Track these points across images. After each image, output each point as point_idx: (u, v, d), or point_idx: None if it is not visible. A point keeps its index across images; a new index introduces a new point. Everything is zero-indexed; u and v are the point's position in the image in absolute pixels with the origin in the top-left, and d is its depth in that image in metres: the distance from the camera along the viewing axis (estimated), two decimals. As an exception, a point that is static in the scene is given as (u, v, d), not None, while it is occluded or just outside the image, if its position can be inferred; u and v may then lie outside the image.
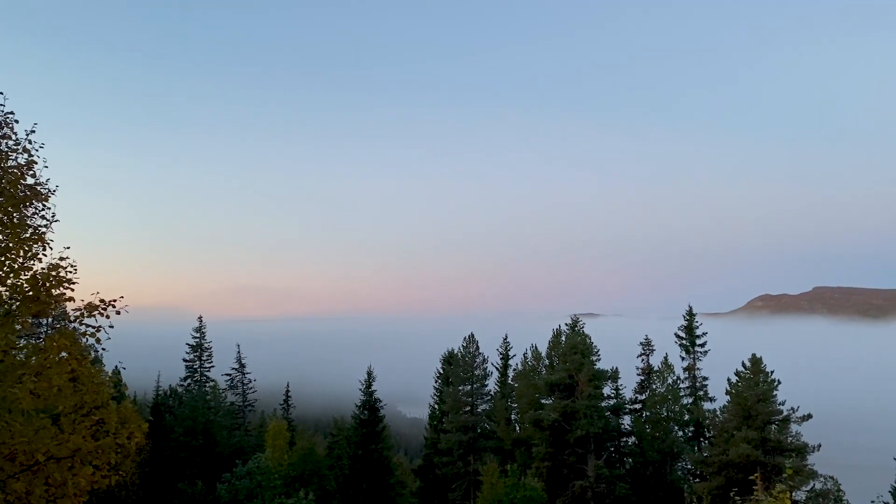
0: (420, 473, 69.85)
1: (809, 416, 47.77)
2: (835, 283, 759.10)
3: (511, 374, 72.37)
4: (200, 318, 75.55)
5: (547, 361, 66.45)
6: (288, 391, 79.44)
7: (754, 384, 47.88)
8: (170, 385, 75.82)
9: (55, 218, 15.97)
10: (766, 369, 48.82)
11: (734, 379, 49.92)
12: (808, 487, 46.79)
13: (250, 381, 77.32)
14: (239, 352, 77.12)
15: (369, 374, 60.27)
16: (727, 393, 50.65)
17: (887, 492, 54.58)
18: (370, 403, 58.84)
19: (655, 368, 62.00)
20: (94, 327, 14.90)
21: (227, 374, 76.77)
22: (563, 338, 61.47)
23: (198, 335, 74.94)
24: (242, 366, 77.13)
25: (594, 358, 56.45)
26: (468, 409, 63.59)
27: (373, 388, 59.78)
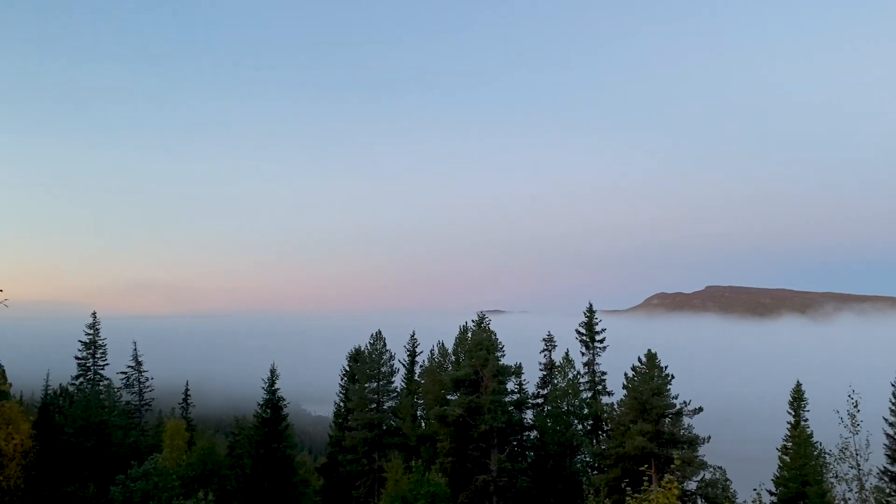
0: (324, 471, 69.22)
1: (700, 410, 50.05)
2: (726, 282, 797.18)
3: (418, 370, 72.71)
4: (94, 314, 72.73)
5: (453, 358, 67.09)
6: (187, 390, 77.05)
7: (649, 379, 49.77)
8: (60, 384, 72.50)
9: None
10: (661, 364, 50.82)
11: (631, 374, 51.73)
12: (699, 477, 49.09)
13: (147, 380, 74.86)
14: (135, 349, 74.52)
15: (272, 372, 59.20)
16: (624, 387, 52.42)
17: (770, 480, 57.96)
18: (273, 402, 57.78)
19: (557, 364, 63.51)
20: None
21: (122, 373, 74.05)
22: (470, 334, 62.21)
23: (91, 332, 72.06)
24: (139, 364, 74.53)
25: (499, 354, 57.33)
26: (374, 406, 63.43)
27: (276, 386, 58.75)
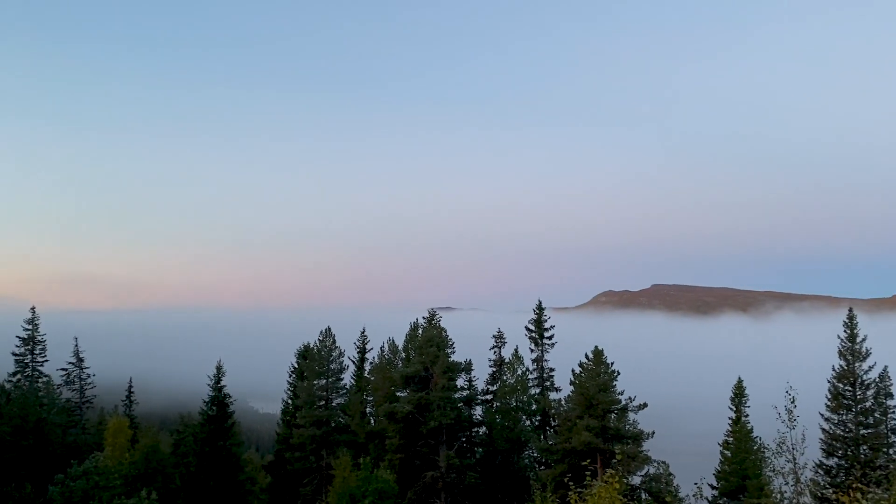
0: (271, 469, 68.54)
1: (645, 405, 50.98)
2: (671, 280, 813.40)
3: (368, 367, 72.42)
4: (33, 308, 70.74)
5: (404, 355, 67.06)
6: (131, 386, 75.43)
7: (596, 375, 50.48)
8: (-4, 381, 70.26)
9: None
10: (608, 361, 51.59)
11: (578, 370, 52.40)
12: (643, 472, 50.03)
13: (89, 377, 73.13)
14: (77, 345, 72.71)
15: (218, 368, 58.52)
16: (571, 383, 53.04)
17: (712, 475, 59.39)
18: (219, 399, 57.10)
19: (506, 360, 64.00)
20: None
21: (62, 369, 72.20)
22: (420, 331, 62.24)
23: (30, 327, 70.08)
24: (80, 360, 72.75)
25: (449, 351, 57.48)
26: (322, 403, 63.02)
27: (222, 383, 58.12)
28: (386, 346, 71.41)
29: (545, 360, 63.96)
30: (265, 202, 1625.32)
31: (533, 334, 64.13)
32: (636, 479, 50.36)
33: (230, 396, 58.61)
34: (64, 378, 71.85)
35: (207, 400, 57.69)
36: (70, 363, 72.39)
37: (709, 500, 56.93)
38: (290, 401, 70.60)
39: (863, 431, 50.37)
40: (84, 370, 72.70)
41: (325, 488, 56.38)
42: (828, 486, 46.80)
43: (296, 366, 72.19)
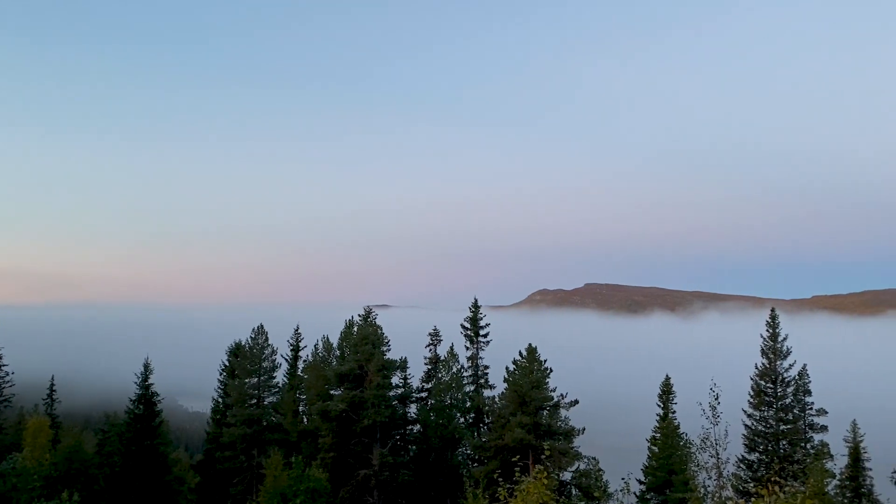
0: (200, 469, 67.17)
1: (576, 402, 51.90)
2: (604, 280, 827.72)
3: (301, 365, 71.66)
4: (-54, 304, 67.34)
5: (338, 353, 66.52)
6: (52, 385, 72.85)
7: (529, 372, 51.12)
8: None
9: None
10: (541, 358, 52.30)
11: (512, 367, 52.95)
12: (574, 468, 50.91)
13: (7, 374, 70.16)
14: (-7, 341, 69.56)
15: (146, 366, 57.02)
16: (505, 381, 53.59)
17: (640, 470, 60.90)
18: (146, 397, 55.65)
19: (442, 358, 64.20)
20: None
21: (-23, 367, 68.96)
22: (355, 329, 61.83)
23: (-57, 323, 66.80)
24: (-3, 357, 69.62)
25: (385, 349, 57.31)
26: (254, 401, 62.10)
27: (150, 381, 56.63)
28: (320, 344, 70.81)
29: (480, 358, 64.39)
30: (198, 198, 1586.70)
31: (468, 332, 64.48)
32: (567, 475, 51.21)
33: (158, 395, 57.25)
34: (-21, 375, 68.83)
35: (134, 398, 56.18)
36: (-14, 360, 69.34)
37: (637, 496, 58.30)
38: (220, 399, 69.42)
39: (783, 427, 52.30)
40: (2, 367, 69.77)
41: (256, 488, 55.55)
42: (749, 479, 48.42)
43: (227, 363, 70.93)
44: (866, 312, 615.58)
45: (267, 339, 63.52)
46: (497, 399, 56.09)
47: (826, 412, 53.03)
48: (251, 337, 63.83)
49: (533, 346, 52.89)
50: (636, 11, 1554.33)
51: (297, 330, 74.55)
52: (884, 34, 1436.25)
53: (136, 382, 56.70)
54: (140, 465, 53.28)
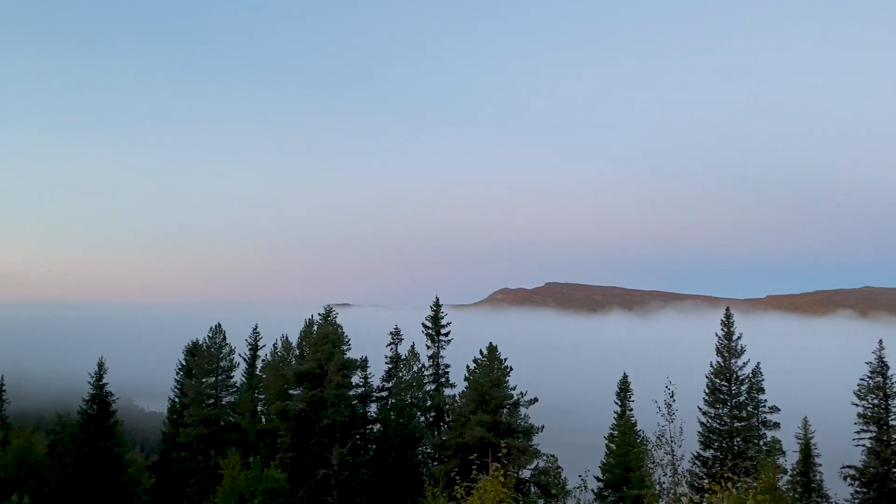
0: (156, 469, 66.02)
1: (536, 400, 52.32)
2: (564, 279, 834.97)
3: (260, 364, 70.99)
4: None
5: (297, 352, 66.03)
6: (2, 385, 70.88)
7: (489, 371, 51.39)
8: None
9: None
10: (501, 357, 52.60)
11: (472, 366, 53.16)
12: (533, 466, 51.30)
13: (-47, 375, 68.16)
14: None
15: (100, 365, 55.99)
16: (466, 379, 53.80)
17: (597, 467, 61.52)
18: (100, 397, 54.64)
19: (403, 357, 64.16)
20: None
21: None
22: (315, 328, 61.46)
23: None
24: (-56, 357, 67.72)
25: (345, 347, 57.08)
26: (212, 401, 61.34)
27: (104, 380, 55.61)
28: (279, 343, 70.18)
29: (441, 357, 64.49)
30: (155, 196, 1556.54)
31: (430, 331, 64.52)
32: (526, 473, 51.60)
33: (113, 394, 56.32)
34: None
35: (88, 398, 55.10)
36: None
37: (594, 492, 58.92)
38: (177, 399, 68.41)
39: (737, 424, 53.30)
40: (-52, 367, 67.82)
41: (213, 488, 54.86)
42: (704, 476, 49.32)
43: (184, 363, 69.93)
44: (818, 312, 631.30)
45: (225, 337, 62.78)
46: (458, 398, 56.25)
47: (779, 409, 54.24)
48: (209, 336, 63.02)
49: (493, 344, 53.17)
50: (599, 16, 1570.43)
51: (255, 329, 73.87)
52: (825, 32, 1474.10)
53: (89, 382, 55.70)
54: (93, 466, 52.31)
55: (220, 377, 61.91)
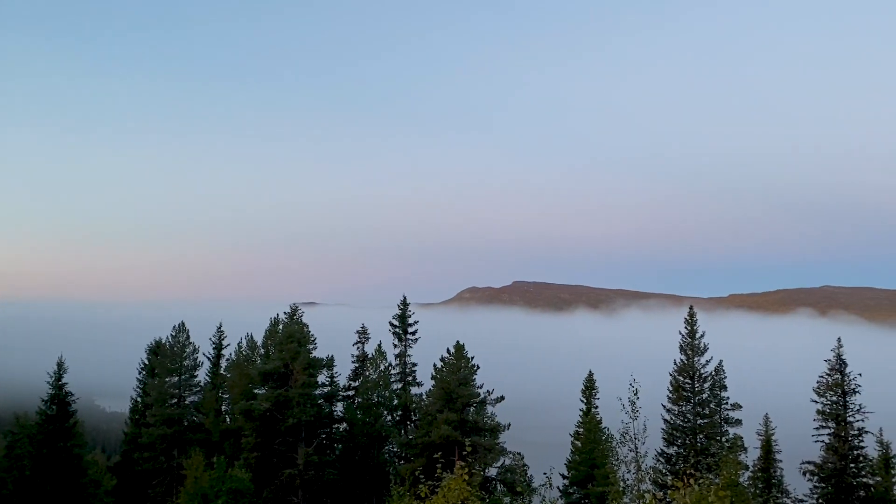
0: (117, 470, 65.08)
1: (502, 398, 52.52)
2: (531, 278, 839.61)
3: (224, 364, 70.26)
4: None
5: (263, 351, 65.48)
6: (-43, 386, 69.27)
7: (457, 369, 51.45)
8: None
9: None
10: (468, 355, 52.69)
11: (439, 365, 53.16)
12: (499, 464, 51.46)
13: None
14: None
15: (60, 364, 54.80)
16: (433, 378, 53.78)
17: (563, 465, 61.92)
18: (59, 397, 53.49)
19: (370, 356, 63.93)
20: None
21: None
22: (281, 327, 60.99)
23: None
24: None
25: (311, 346, 56.76)
26: (175, 401, 60.61)
27: (64, 380, 54.47)
28: (244, 342, 69.54)
29: (408, 356, 64.40)
30: (116, 192, 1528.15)
31: (397, 329, 64.39)
32: (492, 471, 51.76)
33: (73, 394, 55.15)
34: None
35: (47, 398, 53.93)
36: None
37: (560, 490, 59.29)
38: (139, 399, 67.52)
39: (700, 421, 54.11)
40: None
41: (176, 489, 54.19)
42: (668, 473, 49.91)
43: (146, 362, 68.99)
44: (779, 311, 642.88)
45: (188, 336, 62.09)
46: (425, 396, 56.22)
47: (741, 406, 55.09)
48: (172, 335, 62.30)
49: (461, 343, 53.25)
50: (567, 18, 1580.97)
51: (219, 328, 73.04)
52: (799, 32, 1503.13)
53: (49, 382, 54.50)
54: (52, 468, 51.22)
55: (183, 376, 61.22)
